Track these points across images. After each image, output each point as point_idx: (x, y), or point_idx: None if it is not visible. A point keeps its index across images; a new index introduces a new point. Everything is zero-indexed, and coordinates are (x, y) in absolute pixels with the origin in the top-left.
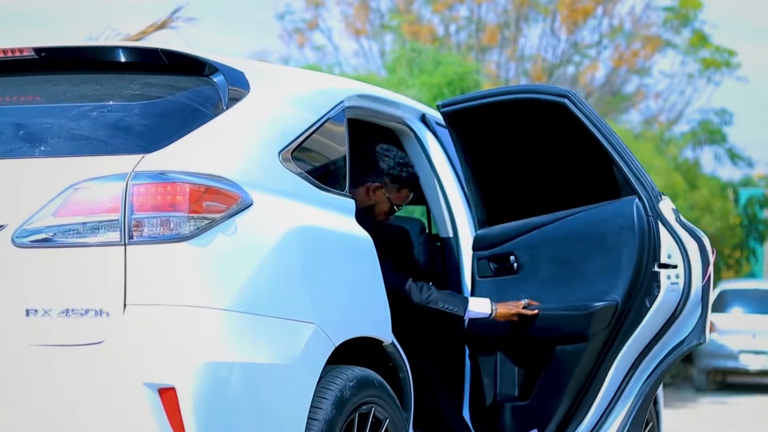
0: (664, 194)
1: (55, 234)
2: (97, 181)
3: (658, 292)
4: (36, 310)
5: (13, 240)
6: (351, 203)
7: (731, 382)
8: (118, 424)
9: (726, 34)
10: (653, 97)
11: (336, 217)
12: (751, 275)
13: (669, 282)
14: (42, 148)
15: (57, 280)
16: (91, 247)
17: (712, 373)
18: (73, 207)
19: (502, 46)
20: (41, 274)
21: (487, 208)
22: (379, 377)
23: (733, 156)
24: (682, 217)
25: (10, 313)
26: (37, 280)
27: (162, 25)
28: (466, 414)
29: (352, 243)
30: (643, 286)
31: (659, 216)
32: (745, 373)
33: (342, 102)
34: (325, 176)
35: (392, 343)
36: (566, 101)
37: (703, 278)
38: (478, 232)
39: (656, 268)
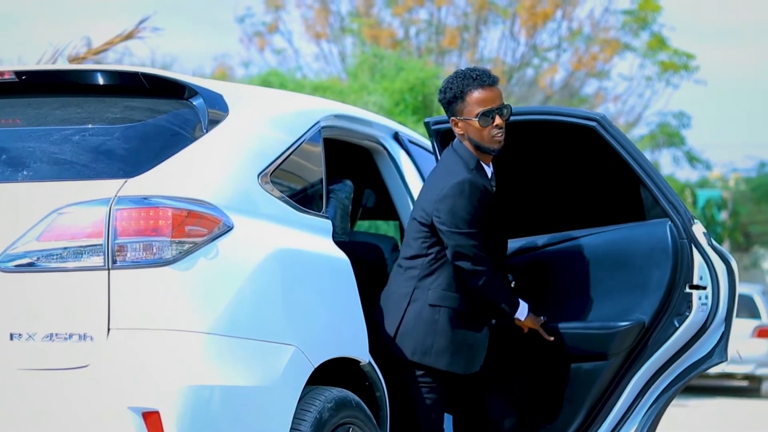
0: (696, 218)
1: (39, 258)
2: (81, 206)
3: (689, 312)
4: (20, 334)
5: None
6: (328, 224)
7: (690, 384)
8: None
9: (684, 36)
10: (612, 100)
11: (314, 238)
12: None
13: (699, 303)
14: (24, 173)
15: (41, 305)
16: (74, 272)
17: None
18: (56, 232)
19: (462, 49)
20: (25, 299)
21: None
22: (357, 398)
23: (692, 158)
24: (713, 240)
25: None
26: (21, 305)
27: (129, 36)
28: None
29: (329, 264)
30: (673, 306)
31: (693, 239)
32: (704, 375)
33: (318, 122)
34: (302, 197)
35: (369, 363)
36: (595, 125)
37: (730, 300)
38: None
39: (688, 290)
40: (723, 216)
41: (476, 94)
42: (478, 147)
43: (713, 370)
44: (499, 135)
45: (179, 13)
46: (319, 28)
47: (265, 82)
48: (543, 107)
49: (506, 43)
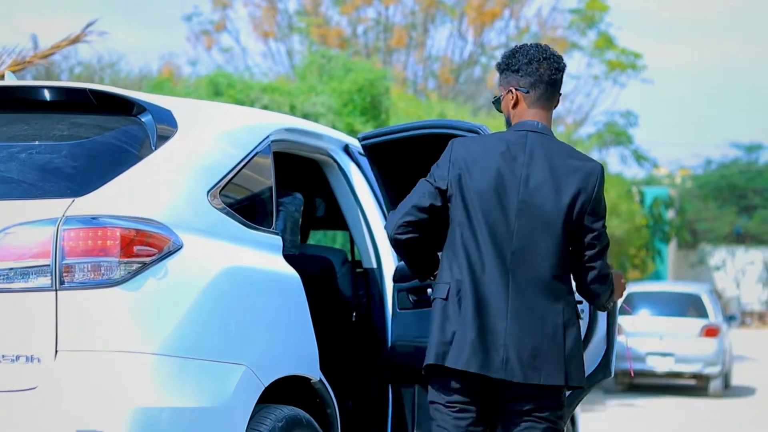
0: None
1: None
2: (28, 226)
3: None
4: None
5: None
6: (278, 240)
7: (639, 383)
8: None
9: (631, 36)
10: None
11: (264, 255)
12: (656, 275)
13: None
14: None
15: None
16: (21, 292)
17: (620, 375)
18: (3, 252)
19: (410, 48)
20: None
21: None
22: (308, 415)
23: (639, 157)
24: None
25: None
26: None
27: (75, 40)
28: None
29: (279, 281)
30: None
31: None
32: (653, 374)
33: (268, 137)
34: (253, 213)
35: (320, 380)
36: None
37: (610, 315)
38: (398, 263)
39: None
40: (670, 214)
41: None
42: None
43: (661, 369)
44: None
45: (125, 10)
46: (266, 27)
47: (213, 82)
48: (432, 121)
49: (454, 41)
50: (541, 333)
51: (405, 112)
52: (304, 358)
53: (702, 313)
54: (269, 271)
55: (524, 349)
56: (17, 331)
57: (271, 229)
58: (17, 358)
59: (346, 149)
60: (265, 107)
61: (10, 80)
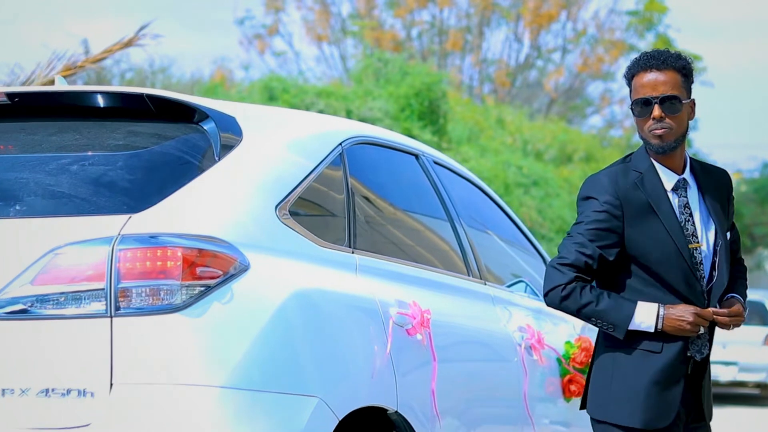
0: None
1: (33, 304)
2: (80, 246)
3: None
4: (12, 390)
5: None
6: (353, 258)
7: None
8: None
9: (690, 37)
10: (618, 102)
11: (338, 275)
12: None
13: None
14: (17, 207)
15: (36, 356)
16: (73, 319)
17: None
18: (53, 274)
19: (465, 51)
20: (18, 349)
21: None
22: None
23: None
24: None
25: None
26: (13, 356)
27: (128, 43)
28: None
29: (354, 303)
30: None
31: None
32: (716, 384)
33: (341, 144)
34: (325, 230)
35: (396, 411)
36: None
37: None
38: None
39: None
40: None
41: (636, 79)
42: (643, 141)
43: (724, 379)
44: (658, 130)
45: (177, 14)
46: (320, 30)
47: (267, 87)
48: None
49: (510, 44)
50: None
51: (462, 117)
52: (380, 387)
53: (766, 320)
54: (343, 294)
55: None
56: (69, 363)
57: (345, 247)
58: (68, 392)
59: (417, 159)
60: (321, 112)
61: (60, 85)
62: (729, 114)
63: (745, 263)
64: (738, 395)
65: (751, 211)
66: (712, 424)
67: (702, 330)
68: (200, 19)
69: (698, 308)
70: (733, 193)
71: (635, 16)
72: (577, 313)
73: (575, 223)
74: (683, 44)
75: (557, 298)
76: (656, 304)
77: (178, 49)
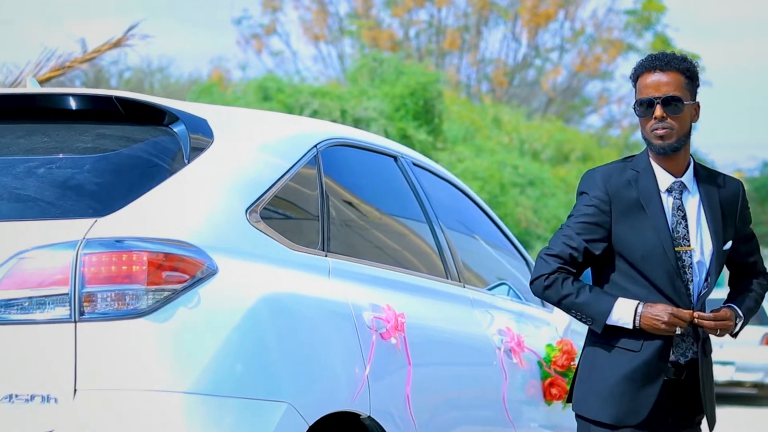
0: None
1: None
2: (45, 250)
3: None
4: None
5: None
6: (326, 261)
7: None
8: None
9: (689, 37)
10: (616, 102)
11: (310, 278)
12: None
13: None
14: None
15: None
16: (37, 324)
17: None
18: (17, 279)
19: (463, 50)
20: None
21: None
22: None
23: (697, 161)
24: None
25: None
26: None
27: (117, 44)
28: None
29: (327, 308)
30: None
31: None
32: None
33: (316, 146)
34: (298, 233)
35: (369, 416)
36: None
37: None
38: None
39: None
40: None
41: (641, 80)
42: (645, 141)
43: (721, 379)
44: (659, 130)
45: (178, 14)
46: (317, 30)
47: (262, 87)
48: None
49: (508, 44)
50: None
51: (458, 116)
52: (352, 392)
53: (763, 320)
54: (315, 298)
55: None
56: (33, 368)
57: (318, 250)
58: (32, 398)
59: (396, 161)
60: (315, 112)
61: (31, 87)
62: (728, 113)
63: None
64: (735, 395)
65: (751, 210)
66: (706, 422)
67: (679, 331)
68: (200, 19)
69: (676, 308)
70: (748, 206)
71: (633, 15)
72: (558, 304)
73: (568, 217)
74: (682, 44)
75: (540, 287)
76: (636, 302)
77: (178, 49)
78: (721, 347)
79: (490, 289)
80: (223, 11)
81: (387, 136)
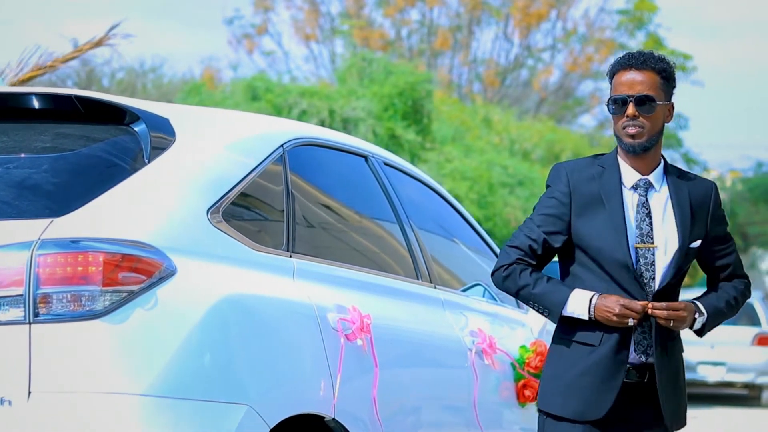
0: None
1: None
2: None
3: None
4: None
5: None
6: (290, 262)
7: (690, 393)
8: None
9: (681, 37)
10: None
11: (274, 279)
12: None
13: None
14: None
15: None
16: None
17: None
18: None
19: (455, 50)
20: None
21: None
22: None
23: (689, 160)
24: None
25: None
26: None
27: (98, 43)
28: None
29: (290, 309)
30: None
31: None
32: (704, 384)
33: (282, 146)
34: (261, 233)
35: (333, 419)
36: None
37: None
38: None
39: None
40: None
41: (616, 77)
42: (616, 138)
43: (712, 379)
44: (631, 128)
45: (173, 14)
46: (308, 30)
47: (250, 86)
48: None
49: (500, 44)
50: None
51: (448, 116)
52: (317, 394)
53: (755, 321)
54: (278, 299)
55: None
56: None
57: (283, 250)
58: None
59: (367, 161)
60: (304, 112)
61: None
62: (722, 113)
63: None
64: (726, 395)
65: (744, 210)
66: (701, 424)
67: (632, 322)
68: (195, 19)
69: (628, 300)
70: (721, 207)
71: (625, 15)
72: (516, 295)
73: (533, 209)
74: (675, 43)
75: (500, 278)
76: (591, 293)
77: (171, 49)
78: (712, 348)
79: (464, 290)
80: (217, 11)
81: (375, 136)
